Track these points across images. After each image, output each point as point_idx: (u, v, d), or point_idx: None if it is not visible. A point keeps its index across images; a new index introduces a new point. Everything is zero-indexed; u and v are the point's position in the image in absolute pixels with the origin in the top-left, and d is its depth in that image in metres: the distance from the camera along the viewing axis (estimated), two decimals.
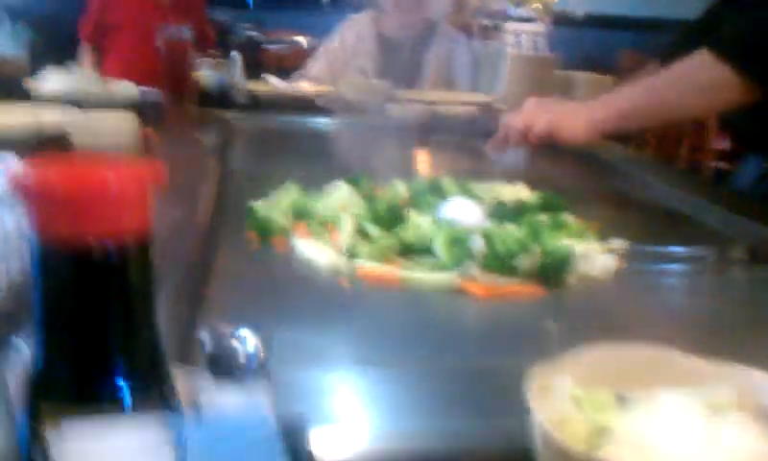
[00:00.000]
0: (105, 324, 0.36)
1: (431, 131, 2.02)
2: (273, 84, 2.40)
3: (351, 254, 0.91)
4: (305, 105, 2.31)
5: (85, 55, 2.89)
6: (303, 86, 2.51)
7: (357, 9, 2.94)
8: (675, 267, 0.99)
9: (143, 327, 0.38)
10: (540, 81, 2.19)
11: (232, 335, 0.44)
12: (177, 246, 0.92)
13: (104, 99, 1.88)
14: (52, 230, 0.34)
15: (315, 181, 1.31)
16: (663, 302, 0.93)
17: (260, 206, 1.06)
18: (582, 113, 1.34)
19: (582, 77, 2.17)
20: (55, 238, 0.34)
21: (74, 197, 0.34)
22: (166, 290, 0.76)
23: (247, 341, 0.44)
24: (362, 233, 0.96)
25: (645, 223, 1.32)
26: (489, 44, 2.53)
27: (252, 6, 7.52)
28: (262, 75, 2.46)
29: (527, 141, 1.41)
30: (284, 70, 3.84)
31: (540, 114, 1.36)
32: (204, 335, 0.44)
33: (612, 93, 1.35)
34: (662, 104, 1.30)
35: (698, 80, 1.26)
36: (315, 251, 0.94)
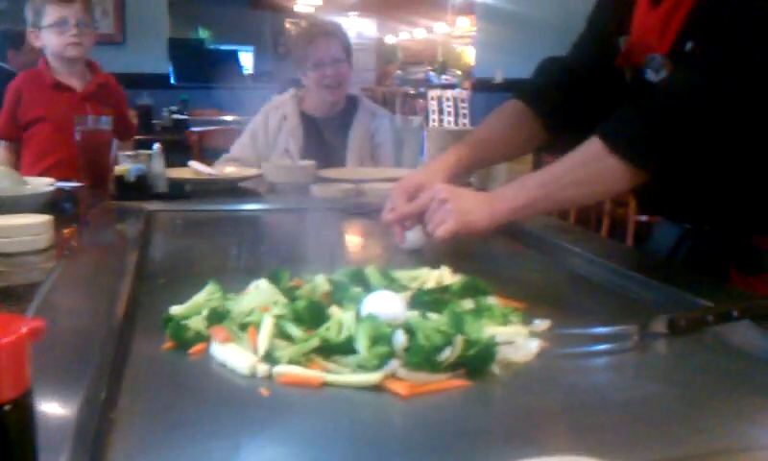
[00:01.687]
0: None
1: (357, 210, 2.03)
2: (196, 170, 2.38)
3: (271, 359, 0.89)
4: (230, 190, 2.29)
5: (1, 152, 2.83)
6: (228, 170, 2.50)
7: (280, 84, 2.96)
8: (598, 347, 0.99)
9: None
10: None
11: None
12: (88, 350, 0.89)
13: (19, 199, 1.82)
14: None
15: (236, 274, 1.29)
16: (587, 385, 0.92)
17: (177, 311, 1.03)
18: (486, 208, 1.37)
19: None
20: None
21: None
22: (76, 397, 0.74)
23: None
24: (283, 334, 0.94)
25: (569, 298, 1.33)
26: (410, 119, 2.56)
27: (175, 83, 7.55)
28: (188, 162, 2.44)
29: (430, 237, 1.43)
30: (211, 150, 3.83)
31: (446, 214, 1.37)
32: None
33: (512, 186, 1.39)
34: (559, 196, 1.36)
35: (592, 171, 1.31)
36: (233, 356, 0.91)
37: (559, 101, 1.64)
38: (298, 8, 15.60)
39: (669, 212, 1.59)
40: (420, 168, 1.88)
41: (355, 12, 17.23)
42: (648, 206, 1.69)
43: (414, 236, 1.50)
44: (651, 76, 1.42)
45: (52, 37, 2.74)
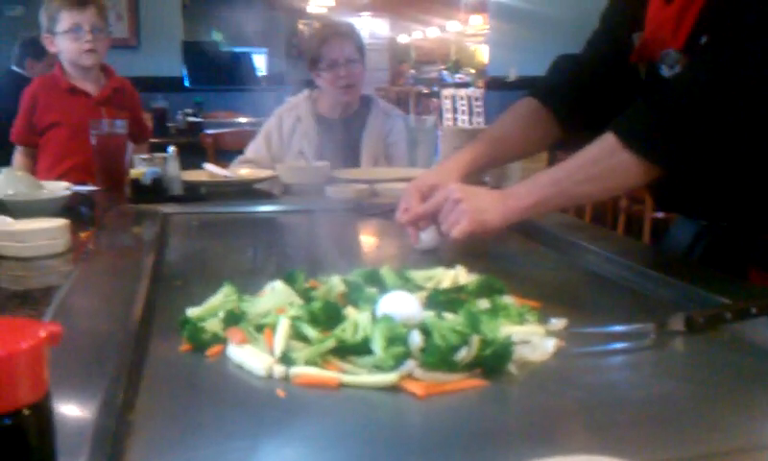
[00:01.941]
0: None
1: (371, 210, 2.03)
2: (211, 172, 2.39)
3: (287, 360, 0.89)
4: (245, 192, 2.30)
5: (18, 157, 2.85)
6: (242, 172, 2.51)
7: (294, 85, 2.96)
8: (615, 346, 0.99)
9: None
10: None
11: None
12: (105, 353, 0.89)
13: (36, 203, 1.84)
14: None
15: (252, 276, 1.29)
16: (604, 384, 0.92)
17: (193, 313, 1.03)
18: (499, 207, 1.37)
19: None
20: None
21: None
22: (94, 400, 0.74)
23: None
24: (299, 335, 0.94)
25: (585, 296, 1.32)
26: (424, 118, 2.56)
27: (189, 86, 7.58)
28: (203, 165, 2.45)
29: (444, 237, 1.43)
30: (226, 152, 3.85)
31: (460, 214, 1.37)
32: None
33: (526, 184, 1.39)
34: (573, 192, 1.35)
35: (605, 166, 1.31)
36: (249, 358, 0.91)
37: (573, 98, 1.64)
38: (310, 9, 15.63)
39: (686, 209, 1.58)
40: (434, 168, 1.87)
41: (368, 12, 17.24)
42: (664, 203, 1.68)
43: (428, 236, 1.50)
44: (666, 71, 1.41)
45: (66, 44, 2.76)
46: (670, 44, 1.39)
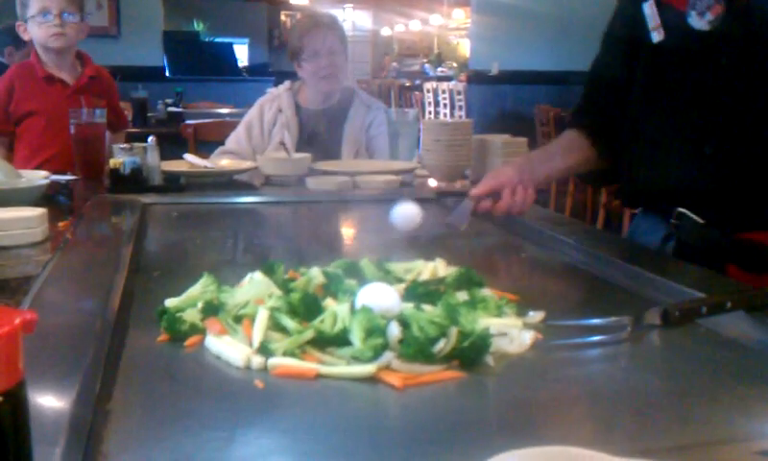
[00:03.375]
0: None
1: (353, 202, 2.03)
2: (191, 162, 2.37)
3: (266, 351, 0.89)
4: (225, 182, 2.29)
5: None
6: (223, 163, 2.50)
7: (275, 76, 2.95)
8: (591, 339, 1.00)
9: None
10: (456, 146, 2.22)
11: None
12: (83, 343, 0.89)
13: (14, 192, 1.82)
14: None
15: (231, 267, 1.29)
16: (581, 377, 0.93)
17: (172, 303, 1.03)
18: (529, 186, 1.59)
19: (497, 140, 2.21)
20: None
21: None
22: (71, 389, 0.74)
23: None
24: (278, 327, 0.94)
25: (563, 290, 1.33)
26: (405, 111, 2.56)
27: (170, 75, 7.54)
28: (183, 155, 2.44)
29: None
30: (206, 143, 3.83)
31: (519, 199, 1.57)
32: None
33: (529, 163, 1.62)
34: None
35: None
36: (228, 348, 0.91)
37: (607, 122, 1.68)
38: (293, 0, 15.57)
39: (659, 204, 1.59)
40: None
41: (351, 4, 17.20)
42: (634, 200, 1.71)
43: (461, 212, 1.58)
44: (695, 20, 1.40)
45: (35, 28, 2.73)
46: None
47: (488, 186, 1.60)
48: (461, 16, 16.15)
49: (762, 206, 1.44)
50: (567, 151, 1.70)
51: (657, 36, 1.49)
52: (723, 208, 1.46)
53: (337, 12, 13.84)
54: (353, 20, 17.52)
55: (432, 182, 2.27)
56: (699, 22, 1.40)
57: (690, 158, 1.48)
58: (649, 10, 1.50)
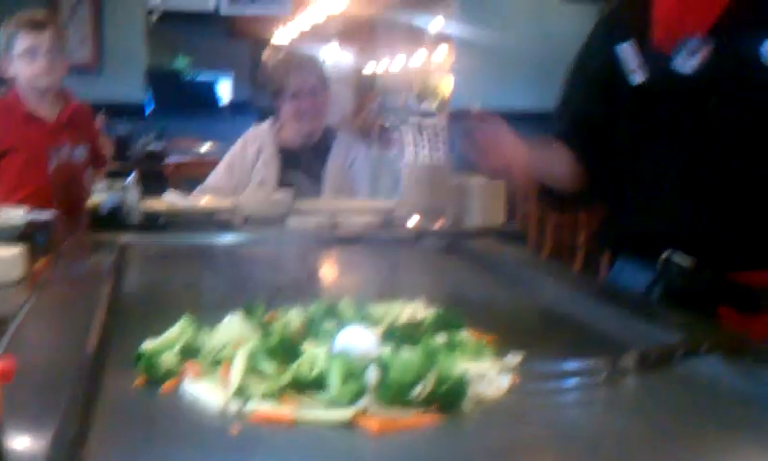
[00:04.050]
0: None
1: (334, 242, 2.03)
2: (172, 200, 2.37)
3: (243, 395, 0.89)
4: (205, 221, 2.29)
5: None
6: (204, 201, 2.50)
7: (258, 114, 2.96)
8: (568, 382, 1.00)
9: None
10: (436, 187, 2.24)
11: None
12: (59, 386, 0.88)
13: None
14: None
15: (210, 308, 1.29)
16: (557, 421, 0.93)
17: (149, 346, 1.02)
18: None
19: (475, 181, 2.23)
20: None
21: None
22: (46, 433, 0.73)
23: None
24: (256, 370, 0.94)
25: (541, 331, 1.34)
26: (386, 152, 2.58)
27: (152, 112, 7.54)
28: (164, 193, 2.43)
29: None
30: (187, 180, 3.83)
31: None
32: None
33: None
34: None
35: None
36: (205, 392, 0.91)
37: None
38: (276, 38, 15.67)
39: (645, 247, 1.57)
40: None
41: (333, 43, 17.33)
42: (619, 245, 1.69)
43: None
44: (681, 63, 1.43)
45: (23, 66, 2.72)
46: (692, 32, 1.42)
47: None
48: (443, 55, 16.31)
49: (754, 245, 1.45)
50: (560, 160, 1.68)
51: (637, 78, 1.51)
52: (714, 249, 1.46)
53: (319, 51, 13.93)
54: (336, 58, 17.64)
55: (412, 222, 2.28)
56: (685, 65, 1.42)
57: (680, 201, 1.49)
58: (626, 51, 1.52)
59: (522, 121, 1.83)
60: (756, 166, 1.42)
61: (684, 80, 1.43)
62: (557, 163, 1.68)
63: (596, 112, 1.62)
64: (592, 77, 1.63)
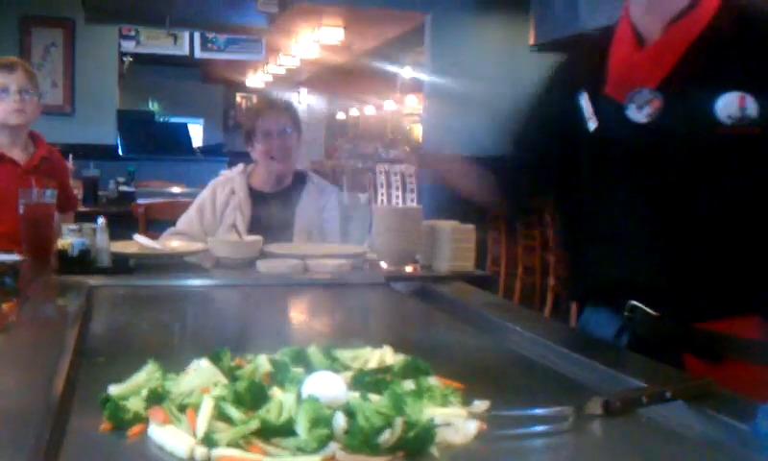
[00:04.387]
0: None
1: (304, 286, 2.04)
2: (141, 244, 2.36)
3: (210, 441, 0.89)
4: (174, 265, 2.28)
5: None
6: (173, 245, 2.49)
7: (229, 157, 2.97)
8: (535, 428, 1.01)
9: None
10: (407, 231, 2.25)
11: None
12: (23, 430, 0.87)
13: None
14: None
15: (178, 352, 1.28)
16: None
17: (115, 390, 1.02)
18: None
19: (446, 226, 2.24)
20: None
21: None
22: None
23: None
24: (223, 416, 0.94)
25: (508, 378, 1.35)
26: (357, 195, 2.59)
27: (123, 154, 7.52)
28: (133, 236, 2.42)
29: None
30: (157, 222, 3.81)
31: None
32: None
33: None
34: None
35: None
36: (171, 439, 0.90)
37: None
38: (249, 82, 15.74)
39: (611, 297, 1.58)
40: None
41: (306, 89, 17.44)
42: (585, 296, 1.71)
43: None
44: (633, 113, 1.46)
45: None
46: (643, 84, 1.46)
47: None
48: (413, 102, 16.47)
49: (716, 296, 1.47)
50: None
51: (593, 125, 1.54)
52: (676, 300, 1.48)
53: (292, 96, 14.01)
54: (308, 103, 17.74)
55: (382, 266, 2.29)
56: (638, 115, 1.46)
57: (640, 251, 1.51)
58: (583, 100, 1.56)
59: (490, 167, 1.86)
60: (714, 217, 1.45)
61: (638, 128, 1.46)
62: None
63: (553, 155, 1.66)
64: (550, 123, 1.67)
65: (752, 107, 1.37)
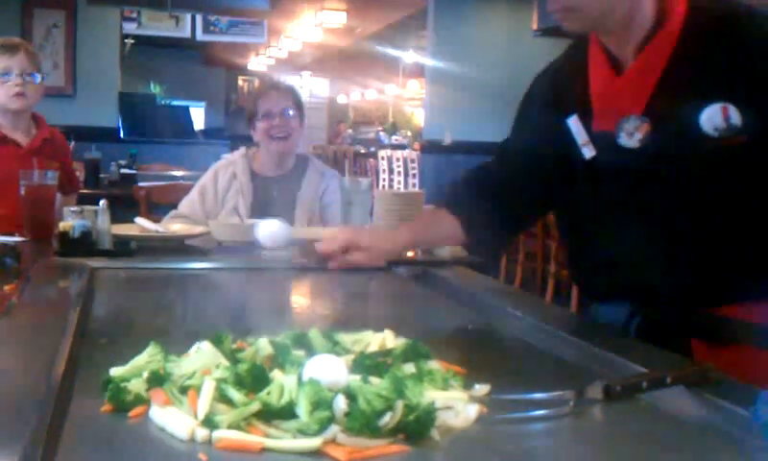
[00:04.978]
0: None
1: (305, 269, 2.04)
2: (143, 226, 2.36)
3: (211, 423, 0.89)
4: (176, 248, 2.28)
5: None
6: (174, 228, 2.49)
7: (231, 140, 2.97)
8: (535, 412, 1.01)
9: None
10: (408, 216, 2.25)
11: None
12: (25, 411, 0.87)
13: None
14: None
15: (180, 335, 1.28)
16: (524, 451, 0.94)
17: (117, 372, 1.02)
18: (389, 239, 1.92)
19: None
20: None
21: None
22: (10, 458, 0.73)
23: None
24: (224, 398, 0.94)
25: (509, 362, 1.35)
26: (359, 180, 2.59)
27: (124, 137, 7.52)
28: (135, 218, 2.42)
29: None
30: (159, 206, 3.82)
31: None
32: None
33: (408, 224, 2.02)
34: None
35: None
36: (172, 420, 0.90)
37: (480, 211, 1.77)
38: (251, 66, 15.72)
39: (620, 293, 1.59)
40: (372, 232, 2.18)
41: (308, 72, 17.40)
42: (594, 292, 1.71)
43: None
44: (625, 140, 1.46)
45: None
46: (629, 111, 1.46)
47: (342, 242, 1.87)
48: (415, 87, 16.45)
49: (722, 287, 1.48)
50: (447, 228, 1.82)
51: (588, 152, 1.54)
52: (683, 297, 1.51)
53: (294, 80, 13.99)
54: (310, 87, 17.71)
55: None
56: (629, 142, 1.46)
57: (647, 263, 1.52)
58: (575, 124, 1.55)
59: (491, 153, 1.86)
60: (716, 224, 1.46)
61: (632, 153, 1.47)
62: (443, 230, 1.85)
63: (545, 178, 1.67)
64: (539, 146, 1.66)
65: (735, 116, 1.37)
